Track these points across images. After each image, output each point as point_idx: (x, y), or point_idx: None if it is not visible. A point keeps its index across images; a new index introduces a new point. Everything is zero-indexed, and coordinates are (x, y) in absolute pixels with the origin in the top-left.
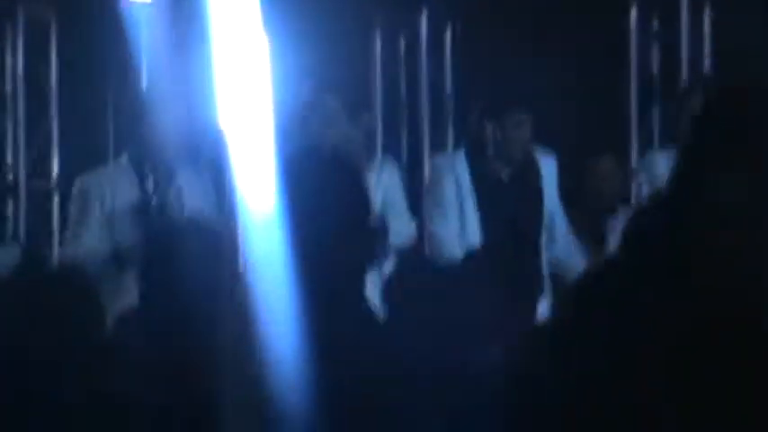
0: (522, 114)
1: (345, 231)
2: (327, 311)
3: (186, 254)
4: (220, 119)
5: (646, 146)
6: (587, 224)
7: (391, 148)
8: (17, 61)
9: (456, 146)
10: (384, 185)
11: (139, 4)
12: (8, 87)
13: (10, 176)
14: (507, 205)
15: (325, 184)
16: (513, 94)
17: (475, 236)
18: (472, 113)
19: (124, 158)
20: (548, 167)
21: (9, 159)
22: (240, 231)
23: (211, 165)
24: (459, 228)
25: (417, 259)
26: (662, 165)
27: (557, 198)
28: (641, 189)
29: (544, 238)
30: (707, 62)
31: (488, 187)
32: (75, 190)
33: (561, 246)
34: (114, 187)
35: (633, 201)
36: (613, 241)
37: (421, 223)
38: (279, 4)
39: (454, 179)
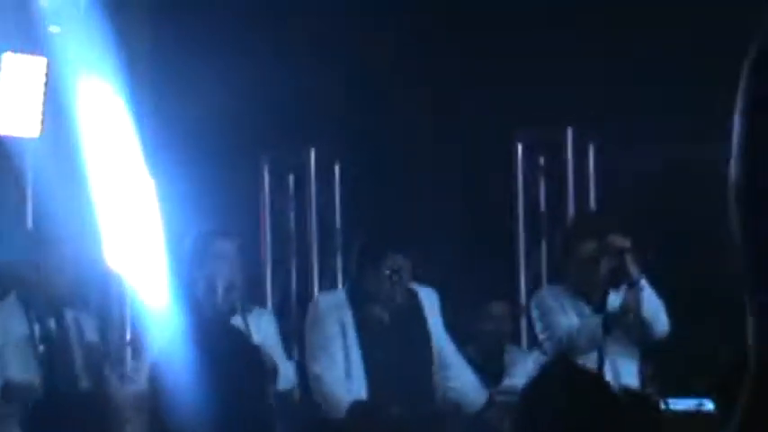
0: (400, 259)
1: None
2: None
3: None
4: (107, 258)
5: (534, 284)
6: (483, 361)
7: (280, 284)
8: None
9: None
10: (262, 334)
11: (25, 139)
12: None
13: None
14: (390, 348)
15: (221, 352)
16: (392, 237)
17: (360, 380)
18: (352, 254)
19: (12, 296)
20: (429, 300)
21: None
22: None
23: (101, 302)
24: (345, 369)
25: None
26: (550, 302)
27: (442, 329)
28: (532, 327)
29: (437, 373)
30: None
31: (370, 329)
32: None
33: (455, 374)
34: (4, 324)
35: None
36: (510, 377)
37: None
38: (163, 146)
39: (338, 319)
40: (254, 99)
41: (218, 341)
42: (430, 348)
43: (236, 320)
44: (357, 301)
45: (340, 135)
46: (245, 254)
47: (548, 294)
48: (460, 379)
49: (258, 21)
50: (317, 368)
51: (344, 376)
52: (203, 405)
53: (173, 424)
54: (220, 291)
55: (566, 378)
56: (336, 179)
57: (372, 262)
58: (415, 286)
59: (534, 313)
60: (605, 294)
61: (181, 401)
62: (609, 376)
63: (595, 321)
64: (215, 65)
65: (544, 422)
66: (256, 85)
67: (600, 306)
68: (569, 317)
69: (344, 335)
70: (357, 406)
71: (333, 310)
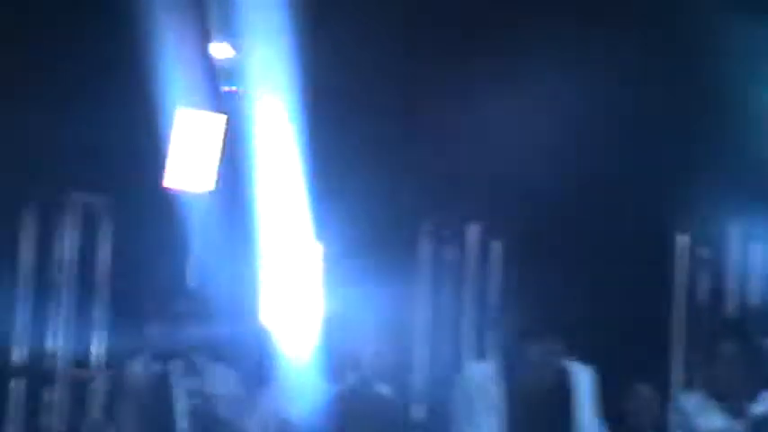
0: (558, 341)
1: None
2: None
3: None
4: (264, 318)
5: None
6: None
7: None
8: (68, 248)
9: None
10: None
11: (195, 194)
12: (58, 274)
13: (51, 364)
14: (534, 422)
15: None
16: (549, 321)
17: None
18: (507, 333)
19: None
20: (583, 381)
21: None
22: None
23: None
24: None
25: None
26: (691, 405)
27: (591, 411)
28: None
29: None
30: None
31: (518, 406)
32: None
33: None
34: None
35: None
36: None
37: None
38: (333, 214)
39: (486, 392)
40: (417, 173)
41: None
42: (574, 429)
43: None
44: (508, 376)
45: (501, 213)
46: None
47: (689, 398)
48: None
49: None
50: None
51: None
52: None
53: None
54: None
55: None
56: (495, 255)
57: (528, 342)
58: (569, 364)
59: (675, 416)
60: (747, 400)
61: None
62: None
63: (739, 427)
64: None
65: None
66: (419, 158)
67: (741, 411)
68: (712, 420)
69: (491, 409)
70: None
71: (482, 383)
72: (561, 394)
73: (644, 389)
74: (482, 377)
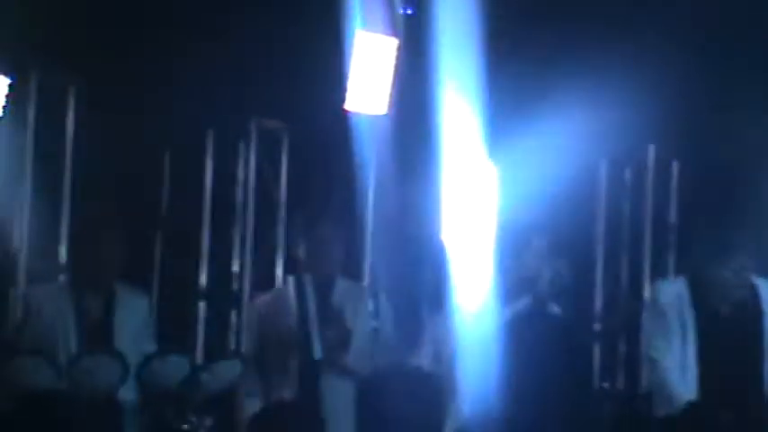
0: (746, 259)
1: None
2: None
3: None
4: (444, 234)
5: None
6: None
7: (611, 275)
8: (249, 172)
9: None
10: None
11: (371, 117)
12: (239, 198)
13: (236, 286)
14: (727, 345)
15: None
16: (737, 237)
17: (693, 377)
18: (694, 250)
19: None
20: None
21: (235, 269)
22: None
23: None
24: (681, 362)
25: None
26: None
27: None
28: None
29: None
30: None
31: (709, 324)
32: None
33: None
34: None
35: None
36: None
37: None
38: (507, 134)
39: (678, 309)
40: (594, 96)
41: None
42: (760, 347)
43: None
44: (698, 294)
45: (680, 133)
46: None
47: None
48: None
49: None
50: (654, 354)
51: (680, 366)
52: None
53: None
54: (545, 281)
55: None
56: (674, 177)
57: (718, 259)
58: (755, 280)
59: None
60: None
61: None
62: None
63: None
64: (559, 61)
65: None
66: (594, 81)
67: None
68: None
69: (683, 326)
70: (688, 408)
71: (674, 301)
72: (752, 310)
73: None
74: (673, 295)
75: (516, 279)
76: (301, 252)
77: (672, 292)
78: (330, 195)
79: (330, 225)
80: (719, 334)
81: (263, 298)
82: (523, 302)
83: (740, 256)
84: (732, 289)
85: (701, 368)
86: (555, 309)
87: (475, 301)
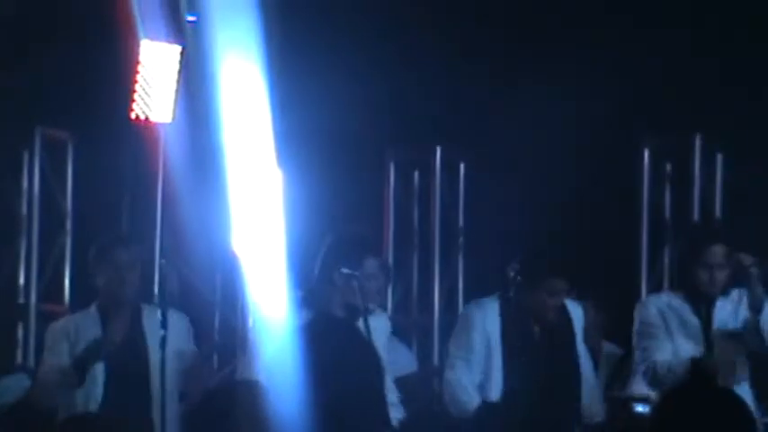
0: (561, 282)
1: (363, 400)
2: None
3: None
4: (234, 243)
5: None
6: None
7: (402, 281)
8: (33, 182)
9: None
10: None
11: (158, 125)
12: (24, 208)
13: (21, 299)
14: (537, 361)
15: (340, 350)
16: (553, 262)
17: (498, 388)
18: (509, 274)
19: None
20: (577, 315)
21: (21, 282)
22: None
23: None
24: (483, 379)
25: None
26: (654, 319)
27: (583, 345)
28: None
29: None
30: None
31: (518, 341)
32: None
33: (586, 391)
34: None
35: None
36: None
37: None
38: (294, 140)
39: (483, 329)
40: (381, 96)
41: (343, 339)
42: (571, 367)
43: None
44: (510, 314)
45: (466, 134)
46: None
47: (654, 307)
48: (589, 394)
49: (384, 19)
50: (451, 375)
51: (478, 386)
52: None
53: (279, 416)
54: (360, 293)
55: (704, 396)
56: (461, 178)
57: (532, 281)
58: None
59: (636, 325)
60: (712, 305)
61: (293, 395)
62: None
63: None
64: (342, 62)
65: None
66: (383, 82)
67: (707, 319)
68: (669, 343)
69: (489, 347)
70: (485, 406)
71: (479, 320)
72: (562, 332)
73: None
74: (480, 315)
75: (302, 286)
76: (99, 280)
77: (477, 313)
78: (118, 206)
79: (125, 250)
80: (530, 357)
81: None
82: (307, 312)
83: (556, 281)
84: (544, 311)
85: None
86: (340, 314)
87: (274, 310)
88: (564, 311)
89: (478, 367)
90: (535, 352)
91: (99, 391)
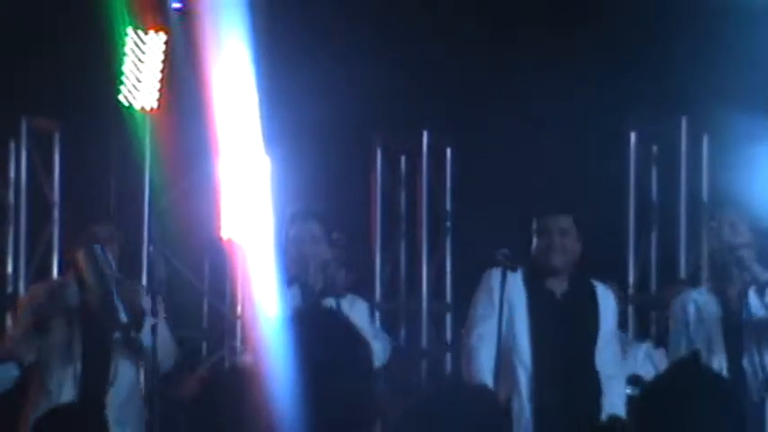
0: (565, 221)
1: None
2: None
3: None
4: (222, 230)
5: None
6: None
7: (389, 265)
8: (20, 173)
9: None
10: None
11: (145, 113)
12: (11, 198)
13: (9, 289)
14: (558, 323)
15: (326, 342)
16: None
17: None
18: (497, 258)
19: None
20: (606, 305)
21: (9, 271)
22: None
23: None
24: (504, 342)
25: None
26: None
27: (612, 335)
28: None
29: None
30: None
31: (540, 303)
32: None
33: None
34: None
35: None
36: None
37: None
38: (281, 126)
39: (503, 293)
40: (368, 80)
41: (315, 321)
42: (591, 336)
43: (329, 301)
44: (530, 274)
45: (453, 118)
46: (355, 235)
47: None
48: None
49: (371, 4)
50: (470, 341)
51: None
52: (300, 384)
53: (271, 402)
54: (312, 271)
55: (697, 380)
56: (448, 163)
57: (538, 222)
58: (596, 283)
59: (676, 320)
60: (744, 297)
61: (279, 381)
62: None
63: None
64: (327, 47)
65: (669, 423)
66: (369, 66)
67: (738, 312)
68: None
69: (510, 309)
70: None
71: (500, 285)
72: (583, 298)
73: None
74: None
75: (287, 272)
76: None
77: (498, 277)
78: (107, 194)
79: (107, 225)
80: (551, 318)
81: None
82: (293, 297)
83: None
84: (558, 256)
85: (535, 351)
86: (329, 303)
87: (266, 298)
88: (588, 283)
89: (494, 335)
90: (556, 314)
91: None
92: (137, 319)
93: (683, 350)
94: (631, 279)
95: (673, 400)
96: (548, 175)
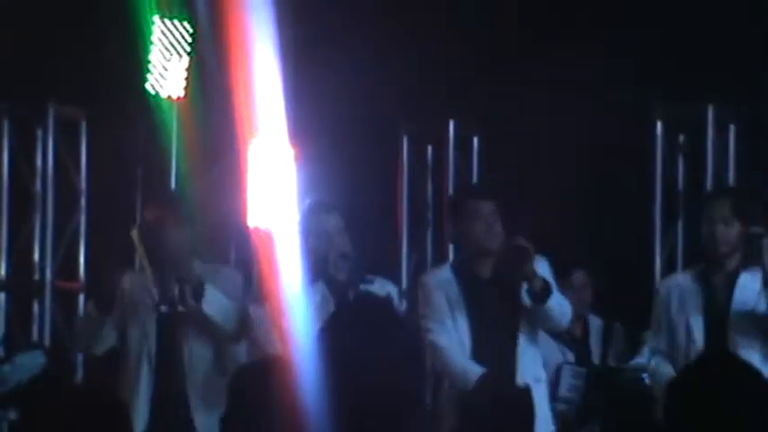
0: (483, 202)
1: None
2: None
3: None
4: (248, 219)
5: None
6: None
7: (415, 255)
8: (47, 161)
9: None
10: None
11: (172, 101)
12: (38, 186)
13: (36, 276)
14: (488, 302)
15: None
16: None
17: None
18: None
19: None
20: (541, 268)
21: (36, 259)
22: None
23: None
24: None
25: None
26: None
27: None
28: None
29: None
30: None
31: (470, 286)
32: None
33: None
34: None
35: None
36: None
37: None
38: (307, 116)
39: (443, 290)
40: (394, 70)
41: (366, 313)
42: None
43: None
44: (457, 258)
45: (479, 108)
46: (379, 225)
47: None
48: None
49: None
50: (431, 337)
51: (458, 343)
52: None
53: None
54: (332, 263)
55: (724, 372)
56: (474, 152)
57: (460, 207)
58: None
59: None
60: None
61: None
62: None
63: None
64: (354, 36)
65: (695, 414)
66: (396, 56)
67: (728, 298)
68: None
69: (449, 301)
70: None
71: (436, 283)
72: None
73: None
74: (436, 279)
75: (309, 264)
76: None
77: (433, 278)
78: (133, 184)
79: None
80: (480, 299)
81: None
82: (317, 293)
83: (475, 201)
84: (482, 237)
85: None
86: (353, 294)
87: (293, 288)
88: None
89: (450, 326)
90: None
91: None
92: (195, 290)
93: (662, 334)
94: (658, 269)
95: (702, 392)
96: (576, 161)
